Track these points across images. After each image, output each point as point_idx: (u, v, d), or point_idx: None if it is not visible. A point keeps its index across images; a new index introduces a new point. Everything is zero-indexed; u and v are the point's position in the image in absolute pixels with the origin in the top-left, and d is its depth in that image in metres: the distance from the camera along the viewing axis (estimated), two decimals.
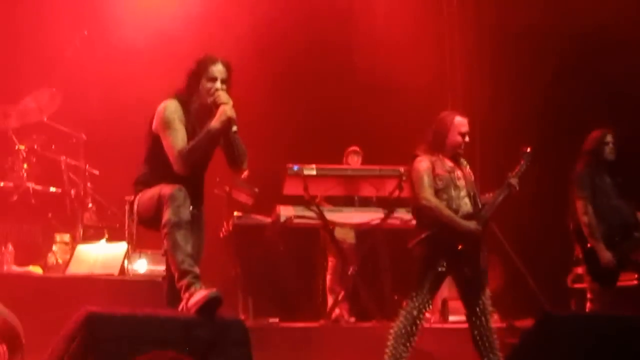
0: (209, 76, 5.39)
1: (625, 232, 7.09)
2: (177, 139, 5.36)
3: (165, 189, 5.28)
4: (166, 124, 5.39)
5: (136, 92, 8.99)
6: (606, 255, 6.95)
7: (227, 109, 5.29)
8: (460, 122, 6.36)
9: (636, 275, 7.53)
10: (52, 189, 8.62)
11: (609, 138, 7.23)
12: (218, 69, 5.38)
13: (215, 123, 5.30)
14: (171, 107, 5.42)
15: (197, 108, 5.46)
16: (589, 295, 7.16)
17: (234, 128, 5.37)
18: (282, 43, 9.61)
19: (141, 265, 8.01)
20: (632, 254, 7.07)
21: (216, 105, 5.33)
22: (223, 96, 5.33)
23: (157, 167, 5.50)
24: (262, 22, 9.47)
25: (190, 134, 5.39)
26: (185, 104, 5.46)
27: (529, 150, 6.48)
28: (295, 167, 8.21)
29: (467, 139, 6.35)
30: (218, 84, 5.37)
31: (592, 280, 7.11)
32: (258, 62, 9.18)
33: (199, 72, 5.41)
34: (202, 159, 5.53)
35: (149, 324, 4.68)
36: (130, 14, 9.35)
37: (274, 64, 9.54)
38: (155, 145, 5.49)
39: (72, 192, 8.63)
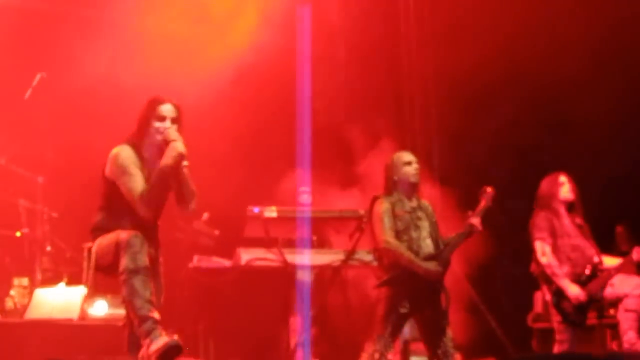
0: (158, 116, 5.45)
1: (590, 271, 7.15)
2: (136, 184, 5.38)
3: (122, 235, 5.27)
4: (122, 170, 5.41)
5: (95, 135, 8.95)
6: (573, 290, 7.01)
7: (177, 145, 5.32)
8: (400, 155, 6.49)
9: (596, 314, 7.57)
10: (10, 233, 8.52)
11: (562, 179, 7.34)
12: (167, 109, 5.45)
13: (166, 159, 5.33)
14: (124, 153, 5.44)
15: (149, 150, 5.49)
16: (557, 337, 7.18)
17: (185, 163, 5.39)
18: (243, 89, 9.63)
19: (101, 309, 7.92)
20: (597, 293, 7.13)
21: (166, 142, 5.34)
22: (172, 133, 5.38)
23: (113, 212, 5.50)
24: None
25: (147, 177, 5.41)
26: (137, 147, 5.49)
27: (489, 190, 6.55)
28: (256, 209, 8.20)
29: (414, 165, 6.43)
30: (167, 123, 5.41)
31: (560, 321, 7.13)
32: (218, 107, 9.20)
33: (148, 114, 5.47)
34: (159, 204, 5.49)
35: None
36: (88, 56, 9.30)
37: (233, 109, 9.53)
38: (110, 190, 5.49)
39: (30, 235, 8.53)
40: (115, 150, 5.49)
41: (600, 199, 8.67)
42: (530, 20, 9.40)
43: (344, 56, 9.88)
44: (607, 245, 7.64)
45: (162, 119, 5.46)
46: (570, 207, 7.40)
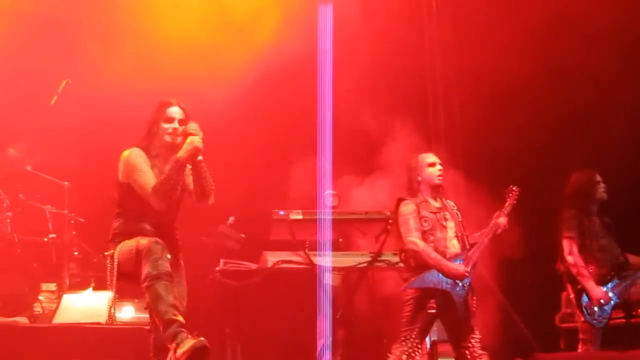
0: (166, 118, 5.58)
1: (615, 271, 7.10)
2: (148, 178, 5.50)
3: (142, 242, 5.35)
4: (133, 168, 5.55)
5: (120, 140, 8.99)
6: (597, 292, 6.96)
7: (195, 140, 5.41)
8: (424, 156, 6.50)
9: (624, 313, 7.52)
10: (37, 238, 8.57)
11: (598, 178, 7.27)
12: (174, 111, 5.60)
13: (182, 153, 5.41)
14: (134, 152, 5.59)
15: (158, 152, 5.61)
16: (581, 336, 7.14)
17: (199, 157, 5.48)
18: (268, 92, 9.64)
19: (128, 313, 7.97)
20: (623, 293, 7.08)
21: (185, 134, 5.44)
22: (193, 127, 5.45)
23: (130, 216, 5.63)
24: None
25: (157, 176, 5.50)
26: (147, 149, 5.61)
27: (515, 189, 6.54)
28: (282, 212, 8.23)
29: (438, 167, 6.44)
30: (175, 124, 5.54)
31: (583, 320, 7.10)
32: (242, 110, 9.23)
33: (157, 116, 5.61)
34: (172, 196, 5.60)
35: None
36: (112, 63, 9.35)
37: (257, 112, 9.55)
38: (125, 194, 5.64)
39: (58, 240, 8.58)
40: (125, 153, 5.63)
41: (627, 197, 8.62)
42: (556, 16, 9.34)
43: (367, 56, 9.82)
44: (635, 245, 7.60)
45: (170, 120, 5.58)
46: (601, 206, 7.34)
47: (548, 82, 9.46)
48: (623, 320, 7.50)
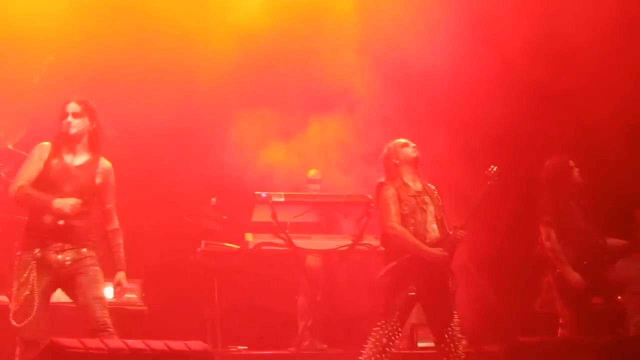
0: (62, 113, 5.91)
1: (593, 256, 7.11)
2: (22, 172, 5.95)
3: None
4: (26, 158, 6.02)
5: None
6: (574, 277, 6.96)
7: (64, 207, 5.68)
8: (396, 141, 6.52)
9: (603, 299, 7.54)
10: (19, 217, 8.52)
11: (572, 163, 7.29)
12: (69, 106, 5.90)
13: (57, 205, 5.67)
14: (37, 146, 5.98)
15: (62, 144, 5.93)
16: (560, 321, 7.15)
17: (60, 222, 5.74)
18: None
19: (107, 293, 7.93)
20: (601, 277, 7.09)
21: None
22: (59, 204, 5.69)
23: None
24: None
25: (58, 170, 5.82)
26: (55, 142, 5.94)
27: (494, 169, 6.52)
28: (264, 194, 8.22)
29: (412, 144, 6.44)
30: (69, 118, 5.87)
31: (562, 305, 7.11)
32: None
33: (59, 114, 5.95)
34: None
35: (117, 355, 4.63)
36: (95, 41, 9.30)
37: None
38: None
39: None
40: None
41: (617, 184, 8.66)
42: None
43: None
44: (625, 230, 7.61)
45: (65, 115, 5.89)
46: (577, 190, 7.34)
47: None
48: (603, 305, 7.52)
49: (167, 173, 9.05)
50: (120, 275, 6.18)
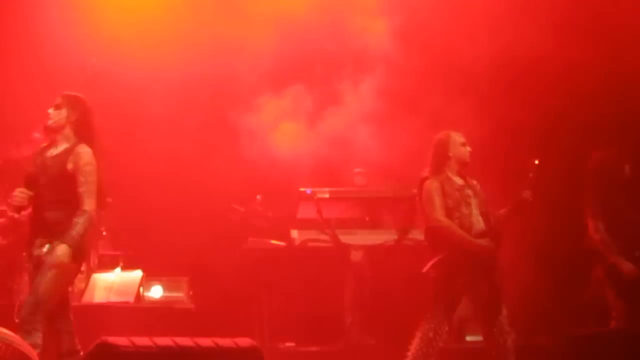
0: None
1: None
2: None
3: None
4: None
5: (141, 126, 9.11)
6: (628, 267, 6.87)
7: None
8: (457, 135, 6.47)
9: None
10: None
11: (622, 157, 7.20)
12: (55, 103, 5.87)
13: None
14: None
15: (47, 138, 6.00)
16: (612, 313, 7.07)
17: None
18: None
19: (157, 292, 8.02)
20: None
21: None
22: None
23: None
24: None
25: (38, 164, 5.79)
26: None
27: (536, 162, 6.49)
28: (309, 191, 8.26)
29: (469, 148, 6.41)
30: (50, 110, 5.83)
31: (614, 297, 7.03)
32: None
33: None
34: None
35: (169, 352, 4.65)
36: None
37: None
38: None
39: None
40: None
41: None
42: None
43: None
44: None
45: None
46: (627, 183, 7.26)
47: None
48: None
49: (212, 171, 9.09)
50: (49, 247, 5.61)
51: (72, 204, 5.62)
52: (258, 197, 9.05)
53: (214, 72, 9.20)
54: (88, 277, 8.07)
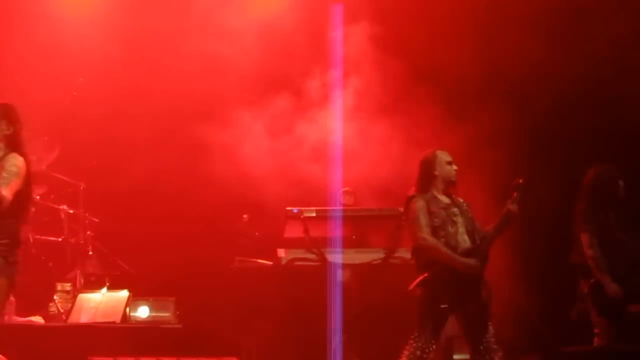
0: None
1: (630, 266, 7.04)
2: None
3: None
4: None
5: (135, 142, 9.08)
6: (612, 287, 6.89)
7: None
8: (443, 154, 6.49)
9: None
10: (52, 238, 8.62)
11: (618, 173, 7.19)
12: None
13: None
14: None
15: None
16: (595, 330, 7.09)
17: None
18: None
19: (144, 312, 8.00)
20: (637, 287, 7.03)
21: None
22: None
23: None
24: None
25: None
26: None
27: (521, 181, 6.51)
28: (295, 210, 8.27)
29: (454, 166, 6.44)
30: None
31: (597, 314, 7.05)
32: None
33: None
34: None
35: None
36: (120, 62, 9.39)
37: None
38: None
39: (72, 240, 8.63)
40: None
41: None
42: None
43: None
44: None
45: None
46: (618, 201, 7.27)
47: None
48: (637, 315, 7.43)
49: (198, 191, 9.09)
50: None
51: None
52: (245, 216, 9.05)
53: (198, 91, 9.21)
54: (74, 297, 8.07)
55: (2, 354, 5.43)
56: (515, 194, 6.45)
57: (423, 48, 9.40)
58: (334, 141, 9.09)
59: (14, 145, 5.83)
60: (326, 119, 9.20)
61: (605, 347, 6.86)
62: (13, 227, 5.81)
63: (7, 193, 5.60)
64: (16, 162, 5.73)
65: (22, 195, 5.75)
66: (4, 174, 5.64)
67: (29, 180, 5.82)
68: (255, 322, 8.51)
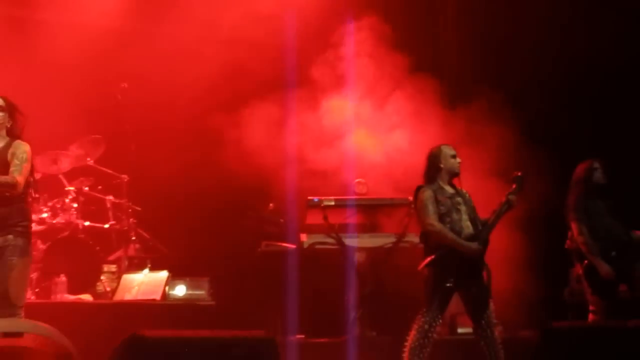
0: None
1: (619, 248, 7.06)
2: None
3: None
4: None
5: (170, 138, 9.17)
6: (605, 268, 6.92)
7: None
8: (448, 148, 6.53)
9: (627, 287, 7.46)
10: (99, 225, 8.71)
11: (596, 165, 7.27)
12: None
13: None
14: None
15: None
16: (590, 308, 7.12)
17: None
18: None
19: (181, 290, 8.06)
20: (628, 268, 7.05)
21: None
22: None
23: None
24: None
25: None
26: None
27: (519, 174, 6.55)
28: (316, 199, 8.32)
29: (458, 159, 6.47)
30: None
31: (592, 293, 7.07)
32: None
33: None
34: None
35: (190, 344, 4.72)
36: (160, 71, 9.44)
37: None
38: None
39: (117, 227, 8.71)
40: None
41: None
42: None
43: None
44: None
45: None
46: (602, 189, 7.30)
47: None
48: (627, 294, 7.45)
49: (229, 183, 9.14)
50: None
51: (16, 200, 5.66)
52: (271, 205, 9.11)
53: (225, 87, 9.22)
54: (119, 278, 8.16)
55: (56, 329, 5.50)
56: (514, 185, 6.51)
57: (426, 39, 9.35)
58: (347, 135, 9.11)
59: (14, 135, 5.83)
60: (341, 114, 9.21)
61: (598, 323, 6.87)
62: (27, 209, 5.86)
63: (21, 179, 5.63)
64: (25, 149, 5.74)
65: (29, 179, 5.80)
66: (16, 161, 5.65)
67: (33, 165, 5.86)
68: (281, 300, 8.59)
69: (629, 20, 9.14)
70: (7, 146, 5.75)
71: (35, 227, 7.61)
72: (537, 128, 9.37)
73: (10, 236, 5.55)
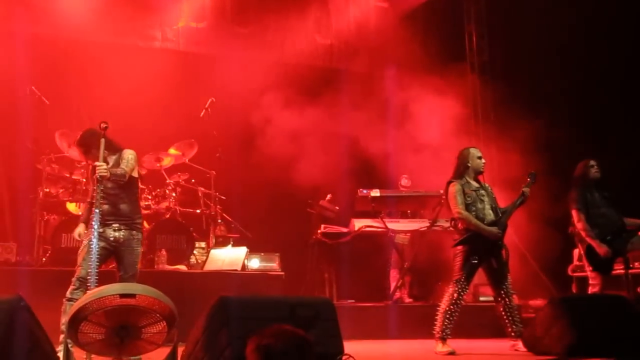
0: None
1: (614, 233, 6.90)
2: None
3: None
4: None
5: (248, 141, 9.21)
6: (603, 248, 6.77)
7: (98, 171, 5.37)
8: (475, 150, 6.44)
9: (623, 265, 7.28)
10: (192, 210, 8.77)
11: (592, 162, 7.12)
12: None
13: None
14: None
15: None
16: (590, 282, 6.97)
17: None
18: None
19: (256, 263, 8.09)
20: (622, 249, 6.88)
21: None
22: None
23: None
24: None
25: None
26: None
27: (533, 172, 6.47)
28: (365, 191, 8.31)
29: (484, 160, 6.38)
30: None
31: (592, 270, 6.93)
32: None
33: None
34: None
35: (267, 305, 4.73)
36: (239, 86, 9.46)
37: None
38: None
39: (206, 212, 8.76)
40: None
41: None
42: None
43: None
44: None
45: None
46: (598, 183, 7.13)
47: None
48: (623, 271, 7.28)
49: (295, 177, 9.09)
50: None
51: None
52: (328, 195, 9.10)
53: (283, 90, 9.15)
54: (208, 252, 8.19)
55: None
56: (528, 180, 6.42)
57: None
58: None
59: (116, 149, 5.69)
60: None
61: (599, 294, 6.73)
62: (140, 206, 5.86)
63: (128, 170, 5.57)
64: (130, 152, 5.69)
65: (137, 180, 5.75)
66: (124, 161, 5.61)
67: (139, 163, 5.78)
68: (336, 272, 8.58)
69: None
70: (119, 157, 5.69)
71: (142, 211, 7.67)
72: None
73: (135, 231, 5.61)
